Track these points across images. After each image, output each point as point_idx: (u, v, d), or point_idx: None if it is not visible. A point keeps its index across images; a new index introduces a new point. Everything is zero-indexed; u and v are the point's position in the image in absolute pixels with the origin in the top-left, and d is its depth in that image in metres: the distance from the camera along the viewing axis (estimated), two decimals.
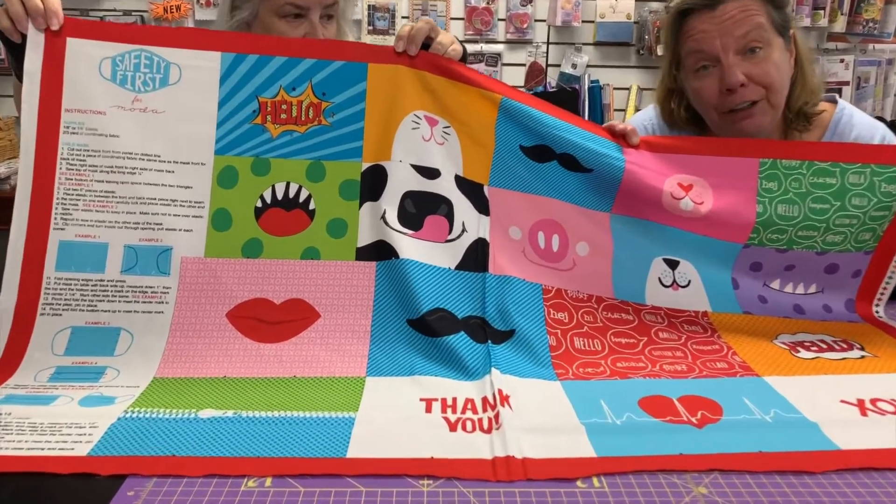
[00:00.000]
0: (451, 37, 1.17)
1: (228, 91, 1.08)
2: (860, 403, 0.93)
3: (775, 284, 1.22)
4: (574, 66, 3.18)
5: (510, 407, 0.88)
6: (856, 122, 1.33)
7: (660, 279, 1.18)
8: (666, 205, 1.17)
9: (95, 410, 0.87)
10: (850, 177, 1.16)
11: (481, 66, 3.22)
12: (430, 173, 1.12)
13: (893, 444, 0.83)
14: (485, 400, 0.91)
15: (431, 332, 1.02)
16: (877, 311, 1.22)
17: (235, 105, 1.08)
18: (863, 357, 1.07)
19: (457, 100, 1.14)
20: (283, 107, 1.10)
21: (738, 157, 1.18)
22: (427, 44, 1.14)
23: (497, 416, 0.86)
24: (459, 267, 1.10)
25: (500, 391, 0.91)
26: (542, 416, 0.88)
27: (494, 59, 3.27)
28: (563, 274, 1.16)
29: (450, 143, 1.14)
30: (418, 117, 1.13)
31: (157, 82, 1.05)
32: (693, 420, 0.88)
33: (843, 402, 0.94)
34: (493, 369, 0.97)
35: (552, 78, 3.26)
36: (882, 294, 1.22)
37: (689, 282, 1.19)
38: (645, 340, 1.10)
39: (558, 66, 3.25)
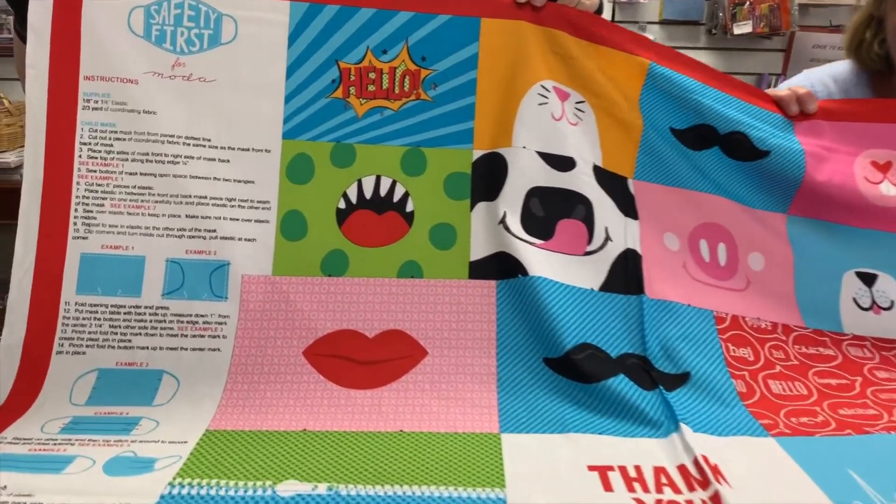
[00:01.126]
0: None
1: (301, 53, 0.81)
2: None
3: None
4: None
5: (726, 482, 0.61)
6: None
7: (855, 300, 0.90)
8: (863, 192, 0.89)
9: (129, 482, 0.60)
10: None
11: None
12: (563, 163, 0.85)
13: None
14: (683, 470, 0.63)
15: (581, 374, 0.75)
16: None
17: (310, 73, 0.82)
18: None
19: (593, 66, 0.87)
20: (371, 75, 0.83)
21: None
22: None
23: (716, 497, 0.59)
24: (605, 287, 0.82)
25: (704, 458, 0.64)
26: (778, 495, 0.60)
27: None
28: (737, 296, 0.88)
29: (585, 123, 0.87)
30: (546, 89, 0.85)
31: (205, 41, 0.79)
32: None
33: None
34: (681, 425, 0.69)
35: None
36: None
37: (892, 303, 0.90)
38: (861, 381, 0.81)
39: None
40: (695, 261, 0.88)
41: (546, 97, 0.85)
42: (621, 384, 0.74)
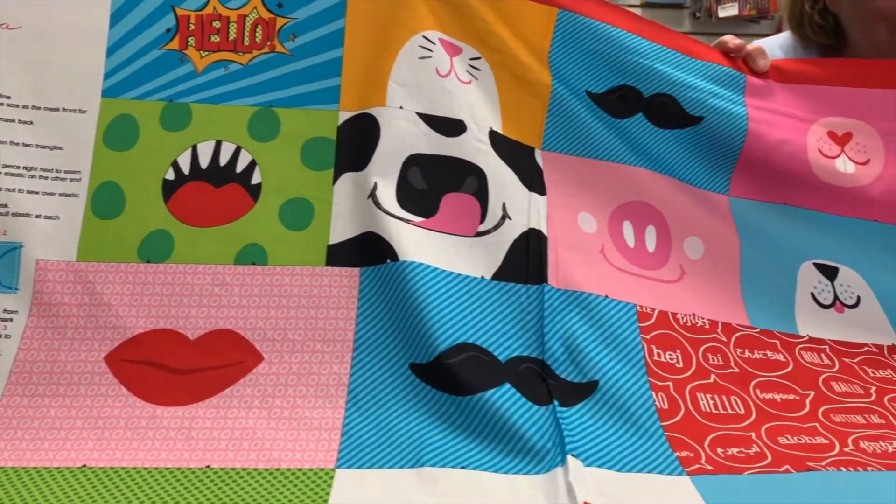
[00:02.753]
0: None
1: None
2: None
3: None
4: None
5: None
6: None
7: (814, 296, 0.74)
8: (815, 168, 0.74)
9: None
10: None
11: None
12: (450, 127, 0.69)
13: None
14: None
15: (454, 384, 0.58)
16: None
17: (139, 20, 0.67)
18: None
19: (492, 17, 0.72)
20: (216, 24, 0.68)
21: None
22: None
23: None
24: (499, 275, 0.66)
25: None
26: None
27: None
28: (667, 288, 0.72)
29: (481, 81, 0.72)
30: (430, 41, 0.70)
31: None
32: None
33: None
34: (569, 458, 0.53)
35: None
36: None
37: (859, 299, 0.75)
38: (812, 396, 0.65)
39: None
40: (616, 245, 0.72)
41: (430, 49, 0.70)
42: (504, 397, 0.57)
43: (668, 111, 0.74)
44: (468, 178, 0.68)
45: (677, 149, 0.74)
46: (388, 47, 0.69)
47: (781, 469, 0.55)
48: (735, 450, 0.57)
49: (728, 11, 2.29)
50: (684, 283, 0.72)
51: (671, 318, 0.69)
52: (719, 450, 0.57)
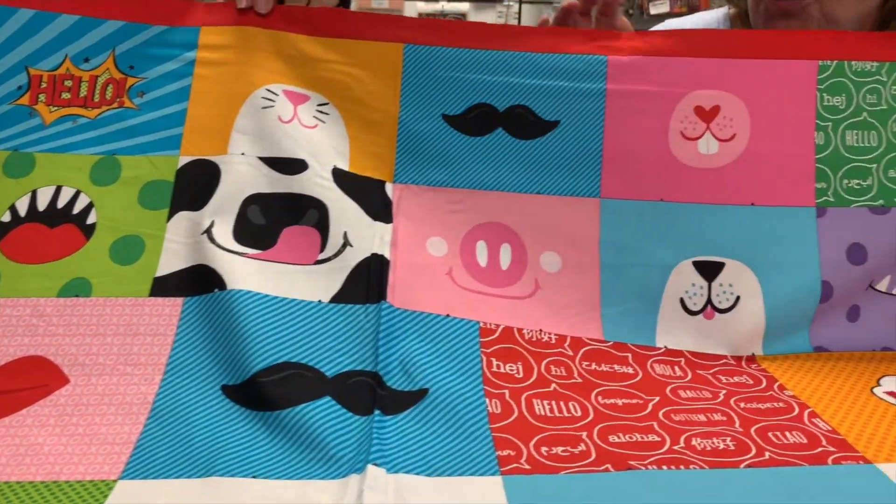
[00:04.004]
0: None
1: None
2: None
3: (883, 284, 0.71)
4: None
5: None
6: None
7: (683, 301, 0.71)
8: (676, 153, 0.70)
9: None
10: None
11: None
12: (291, 166, 0.71)
13: None
14: None
15: (264, 401, 0.56)
16: None
17: None
18: None
19: (340, 65, 0.74)
20: (68, 83, 0.71)
21: (786, 60, 0.72)
22: None
23: None
24: (338, 298, 0.65)
25: None
26: None
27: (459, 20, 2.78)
28: (518, 304, 0.70)
29: (328, 126, 0.74)
30: (273, 92, 0.73)
31: None
32: None
33: None
34: (369, 466, 0.50)
35: None
36: None
37: (738, 299, 0.70)
38: (657, 401, 0.62)
39: None
40: (466, 266, 0.71)
41: (272, 100, 0.72)
42: (319, 409, 0.55)
43: (524, 122, 0.72)
44: (308, 211, 0.69)
45: (539, 158, 0.72)
46: (232, 101, 0.72)
47: (601, 468, 0.51)
48: (560, 448, 0.54)
49: (659, 8, 2.32)
50: (537, 298, 0.70)
51: (516, 334, 0.67)
52: (544, 449, 0.54)
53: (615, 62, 0.71)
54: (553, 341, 0.67)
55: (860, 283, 0.70)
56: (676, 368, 0.67)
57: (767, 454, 0.53)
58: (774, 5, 0.81)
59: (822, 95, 0.71)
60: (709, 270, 0.70)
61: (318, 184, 0.70)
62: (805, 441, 0.55)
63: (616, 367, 0.66)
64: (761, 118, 0.70)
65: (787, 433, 0.56)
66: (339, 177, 0.71)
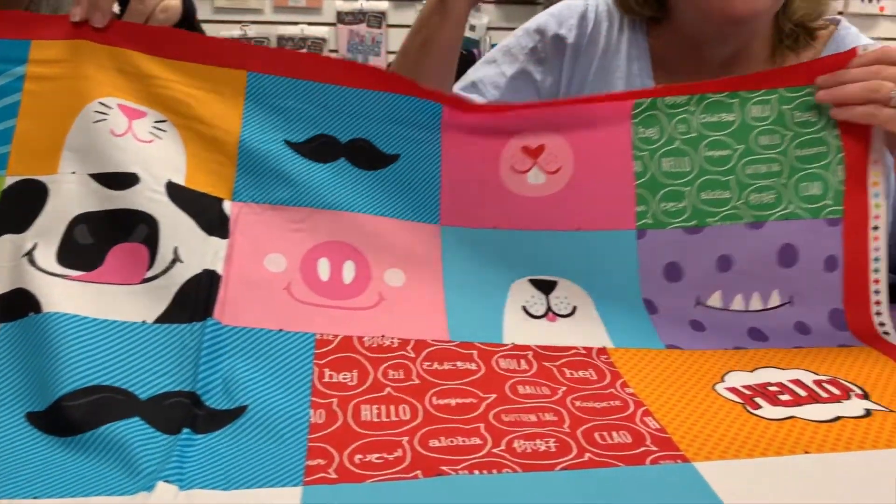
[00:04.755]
0: None
1: None
2: None
3: (715, 300, 0.74)
4: (472, 27, 2.62)
5: None
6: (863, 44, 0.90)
7: (525, 308, 0.72)
8: (508, 184, 0.74)
9: None
10: (753, 109, 0.74)
11: (361, 27, 2.65)
12: (122, 180, 0.68)
13: None
14: None
15: (67, 424, 0.54)
16: (881, 325, 0.74)
17: None
18: (868, 414, 0.57)
19: (180, 84, 0.73)
20: None
21: (603, 102, 0.76)
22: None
23: None
24: (163, 318, 0.63)
25: None
26: None
27: (378, 20, 2.70)
28: (360, 314, 0.69)
29: (164, 142, 0.72)
30: (106, 106, 0.71)
31: None
32: None
33: None
34: (159, 483, 0.48)
35: None
36: (877, 285, 0.74)
37: (574, 308, 0.73)
38: (491, 399, 0.61)
39: None
40: (305, 281, 0.69)
41: (105, 113, 0.70)
42: (121, 429, 0.53)
43: (366, 154, 0.74)
44: (138, 226, 0.67)
45: (383, 188, 0.74)
46: (63, 118, 0.70)
47: (410, 475, 0.50)
48: (375, 455, 0.52)
49: None
50: (381, 308, 0.69)
51: (356, 342, 0.66)
52: (358, 457, 0.52)
53: (449, 110, 0.75)
54: (395, 345, 0.66)
55: (682, 300, 0.73)
56: (522, 362, 0.66)
57: (587, 455, 0.52)
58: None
59: (637, 128, 0.74)
60: (544, 286, 0.73)
61: (149, 198, 0.68)
62: (630, 441, 0.54)
63: (459, 364, 0.65)
64: (583, 152, 0.74)
65: (615, 433, 0.55)
66: (174, 191, 0.69)
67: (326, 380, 0.61)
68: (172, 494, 0.47)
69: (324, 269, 0.70)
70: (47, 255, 0.64)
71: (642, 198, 0.74)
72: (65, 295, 0.61)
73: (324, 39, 2.63)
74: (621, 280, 0.73)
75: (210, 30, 2.47)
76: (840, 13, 2.66)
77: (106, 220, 0.67)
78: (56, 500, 0.47)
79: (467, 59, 2.51)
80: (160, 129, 0.72)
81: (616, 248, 0.74)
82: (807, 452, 0.52)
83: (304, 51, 2.57)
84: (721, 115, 0.75)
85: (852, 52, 0.72)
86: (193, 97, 0.72)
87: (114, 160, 0.68)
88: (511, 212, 0.74)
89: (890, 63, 0.70)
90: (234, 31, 2.54)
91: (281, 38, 2.57)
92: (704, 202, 0.74)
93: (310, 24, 2.61)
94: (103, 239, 0.66)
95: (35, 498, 0.46)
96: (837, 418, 0.57)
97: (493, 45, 2.57)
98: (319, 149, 0.73)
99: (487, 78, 0.96)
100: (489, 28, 2.67)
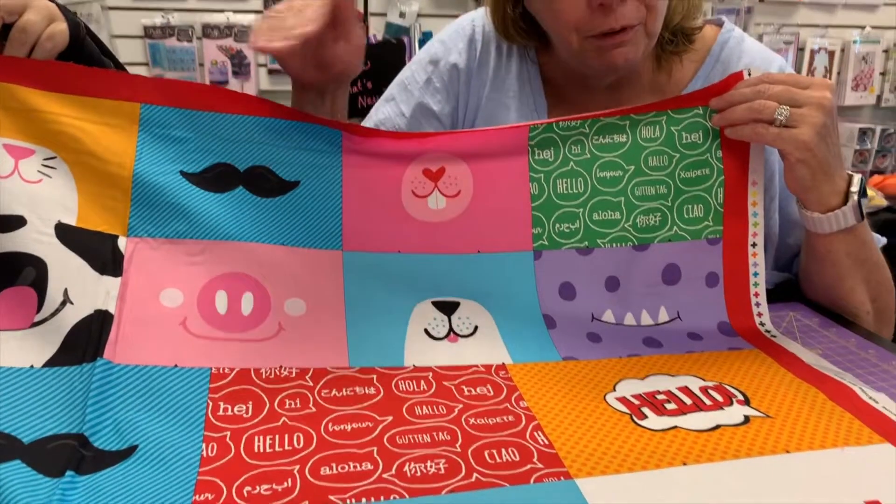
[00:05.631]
0: (51, 9, 0.75)
1: None
2: None
3: (608, 317, 0.77)
4: (402, 14, 2.59)
5: None
6: (746, 47, 0.94)
7: (427, 331, 0.73)
8: (409, 210, 0.76)
9: None
10: (643, 130, 0.78)
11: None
12: (8, 222, 0.67)
13: None
14: None
15: None
16: (762, 325, 0.78)
17: None
18: (746, 421, 0.60)
19: (70, 119, 0.72)
20: None
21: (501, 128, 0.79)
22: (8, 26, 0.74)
23: None
24: (53, 362, 0.62)
25: None
26: None
27: None
28: (258, 346, 0.69)
29: (54, 180, 0.71)
30: None
31: None
32: None
33: None
34: None
35: (376, 30, 2.62)
36: (758, 299, 0.78)
37: (476, 328, 0.74)
38: (388, 422, 0.61)
39: (384, 15, 2.58)
40: (202, 315, 0.69)
41: None
42: (4, 473, 0.52)
43: (265, 181, 0.74)
44: (25, 269, 0.66)
45: (283, 215, 0.74)
46: None
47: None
48: (265, 487, 0.52)
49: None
50: (281, 338, 0.70)
51: (252, 374, 0.66)
52: (247, 489, 0.52)
53: (348, 136, 0.76)
54: (294, 374, 0.66)
55: (580, 315, 0.76)
56: (422, 383, 0.67)
57: (475, 476, 0.53)
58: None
59: (534, 150, 0.77)
60: (447, 307, 0.74)
61: (36, 240, 0.67)
62: (517, 459, 0.55)
63: (358, 389, 0.65)
64: (482, 176, 0.76)
65: (504, 450, 0.56)
66: (63, 232, 0.68)
67: (220, 413, 0.60)
68: None
69: (221, 301, 0.70)
70: None
71: (538, 219, 0.77)
72: None
73: (250, 27, 2.50)
74: (521, 299, 0.76)
75: (130, 18, 2.40)
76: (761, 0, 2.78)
77: None
78: None
79: (397, 47, 2.53)
80: (49, 167, 0.71)
81: (515, 270, 0.76)
82: (685, 464, 0.54)
83: (231, 39, 2.50)
84: (613, 137, 0.78)
85: (739, 75, 0.76)
86: (84, 131, 0.71)
87: None
88: (413, 237, 0.75)
89: (773, 83, 0.73)
90: (157, 19, 2.40)
91: (206, 27, 2.47)
92: (596, 223, 0.77)
93: (235, 11, 2.51)
94: None
95: None
96: (717, 426, 0.59)
97: (424, 34, 2.62)
98: (217, 178, 0.73)
99: (388, 119, 0.99)
100: (419, 15, 2.63)
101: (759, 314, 0.77)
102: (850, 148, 2.97)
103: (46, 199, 0.69)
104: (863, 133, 2.90)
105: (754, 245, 0.77)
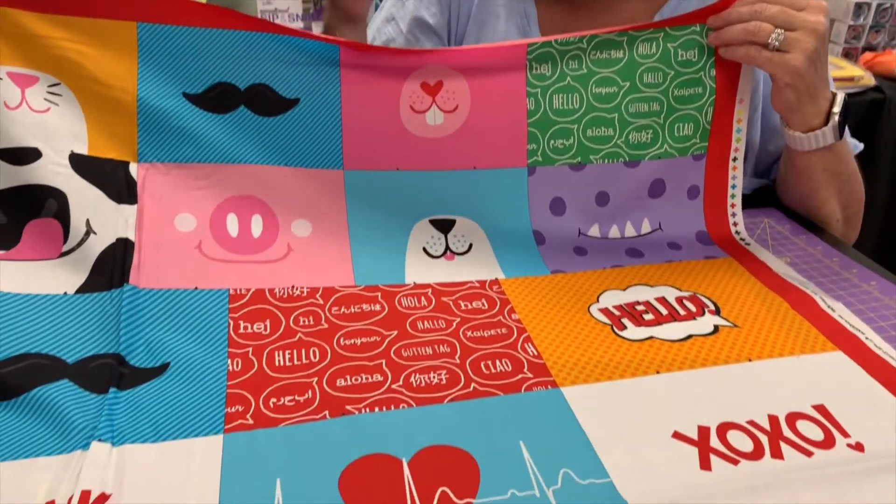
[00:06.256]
0: None
1: None
2: (701, 437, 0.53)
3: (594, 231, 0.82)
4: None
5: None
6: None
7: (425, 250, 0.79)
8: (407, 126, 0.77)
9: None
10: (640, 46, 0.79)
11: None
12: (24, 155, 0.70)
13: None
14: None
15: (1, 391, 0.59)
16: (737, 234, 0.83)
17: None
18: (715, 331, 0.66)
19: (70, 43, 0.72)
20: None
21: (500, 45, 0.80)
22: None
23: None
24: (84, 289, 0.67)
25: (84, 494, 0.48)
26: None
27: None
28: (269, 267, 0.74)
29: (61, 108, 0.73)
30: None
31: None
32: None
33: (676, 435, 0.54)
34: (93, 443, 0.54)
35: None
36: (734, 209, 0.84)
37: (471, 245, 0.79)
38: (393, 336, 0.68)
39: None
40: (216, 238, 0.74)
41: None
42: (53, 390, 0.58)
43: (266, 99, 0.75)
44: (48, 201, 0.69)
45: (284, 135, 0.76)
46: None
47: (319, 416, 0.56)
48: (288, 398, 0.59)
49: None
50: (290, 259, 0.75)
51: (267, 294, 0.71)
52: (273, 400, 0.59)
53: (346, 51, 0.75)
54: (305, 293, 0.72)
55: (567, 232, 0.80)
56: (422, 299, 0.72)
57: (473, 385, 0.59)
58: None
59: (532, 65, 0.77)
60: (443, 225, 0.78)
61: (53, 171, 0.70)
62: (510, 369, 0.61)
63: (364, 306, 0.71)
64: (480, 91, 0.77)
65: (498, 361, 0.63)
66: (77, 162, 0.71)
67: (241, 331, 0.66)
68: (106, 452, 0.52)
69: (232, 224, 0.74)
70: None
71: (533, 135, 0.80)
72: None
73: None
74: (513, 215, 0.80)
75: None
76: None
77: (15, 197, 0.69)
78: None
79: None
80: (55, 94, 0.73)
81: (509, 186, 0.80)
82: (658, 372, 0.61)
83: None
84: (610, 52, 0.79)
85: None
86: (85, 55, 0.72)
87: (11, 135, 0.70)
88: (411, 153, 0.78)
89: (770, 2, 0.74)
90: None
91: None
92: (589, 139, 0.80)
93: None
94: (15, 217, 0.68)
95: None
96: (689, 336, 0.66)
97: None
98: (219, 98, 0.75)
99: (392, 41, 0.99)
100: None
101: (735, 224, 0.82)
102: (844, 24, 2.92)
103: (57, 128, 0.72)
104: (858, 7, 2.85)
105: (735, 160, 0.81)
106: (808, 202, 0.86)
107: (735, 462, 0.51)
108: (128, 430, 0.55)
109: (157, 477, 0.51)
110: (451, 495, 0.49)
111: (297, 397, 0.59)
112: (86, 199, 0.70)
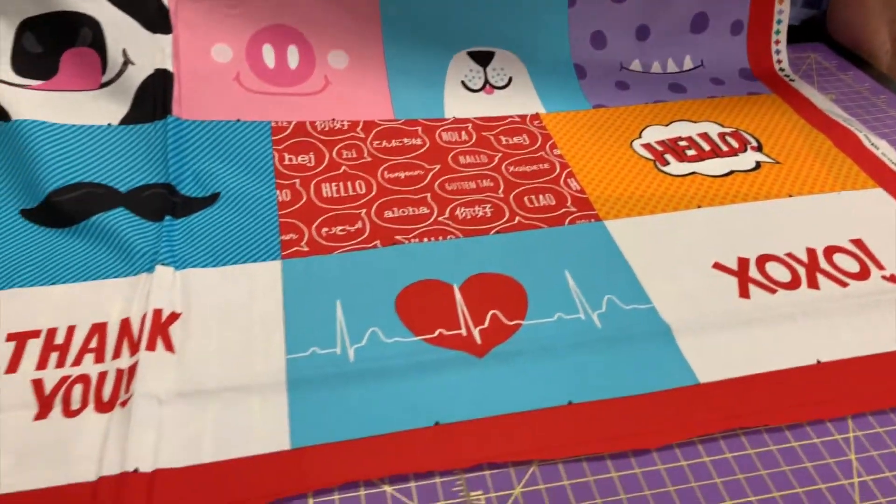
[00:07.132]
0: None
1: None
2: (741, 268, 0.54)
3: (636, 65, 0.80)
4: None
5: (167, 345, 0.49)
6: None
7: (464, 83, 0.77)
8: None
9: None
10: None
11: None
12: None
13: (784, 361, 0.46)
14: (126, 327, 0.51)
15: (62, 217, 0.60)
16: (781, 70, 0.81)
17: None
18: (757, 167, 0.66)
19: None
20: None
21: None
22: None
23: (132, 370, 0.46)
24: (127, 120, 0.67)
25: (157, 313, 0.51)
26: (219, 359, 0.48)
27: None
28: (309, 99, 0.74)
29: None
30: None
31: None
32: (475, 338, 0.49)
33: (717, 265, 0.55)
34: (157, 267, 0.56)
35: None
36: (778, 46, 0.81)
37: (510, 79, 0.78)
38: (437, 170, 0.68)
39: None
40: (253, 70, 0.73)
41: None
42: (112, 217, 0.60)
43: None
44: (82, 30, 0.68)
45: None
46: None
47: (371, 244, 0.58)
48: (339, 228, 0.61)
49: None
50: (328, 92, 0.74)
51: (308, 127, 0.71)
52: (325, 230, 0.61)
53: None
54: (345, 127, 0.72)
55: (609, 65, 0.78)
56: (463, 134, 0.72)
57: (517, 219, 0.61)
58: None
59: None
60: (482, 58, 0.76)
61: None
62: (554, 203, 0.62)
63: (406, 140, 0.71)
64: None
65: (542, 196, 0.63)
66: None
67: (287, 162, 0.67)
68: (171, 275, 0.55)
69: (269, 55, 0.73)
70: (3, 66, 0.66)
71: None
72: (30, 104, 0.64)
73: None
74: (553, 47, 0.78)
75: None
76: None
77: (48, 24, 0.67)
78: (70, 284, 0.54)
79: None
80: None
81: (549, 17, 0.77)
82: (700, 206, 0.62)
83: None
84: None
85: None
86: None
87: None
88: None
89: None
90: None
91: None
92: None
93: None
94: (51, 46, 0.67)
95: (52, 284, 0.54)
96: (731, 172, 0.66)
97: None
98: None
99: None
100: None
101: (779, 61, 0.80)
102: None
103: None
104: None
105: None
106: (857, 33, 0.83)
107: (773, 291, 0.53)
108: (188, 255, 0.57)
109: (222, 298, 0.53)
110: (502, 317, 0.51)
111: (347, 227, 0.60)
112: (120, 29, 0.68)
